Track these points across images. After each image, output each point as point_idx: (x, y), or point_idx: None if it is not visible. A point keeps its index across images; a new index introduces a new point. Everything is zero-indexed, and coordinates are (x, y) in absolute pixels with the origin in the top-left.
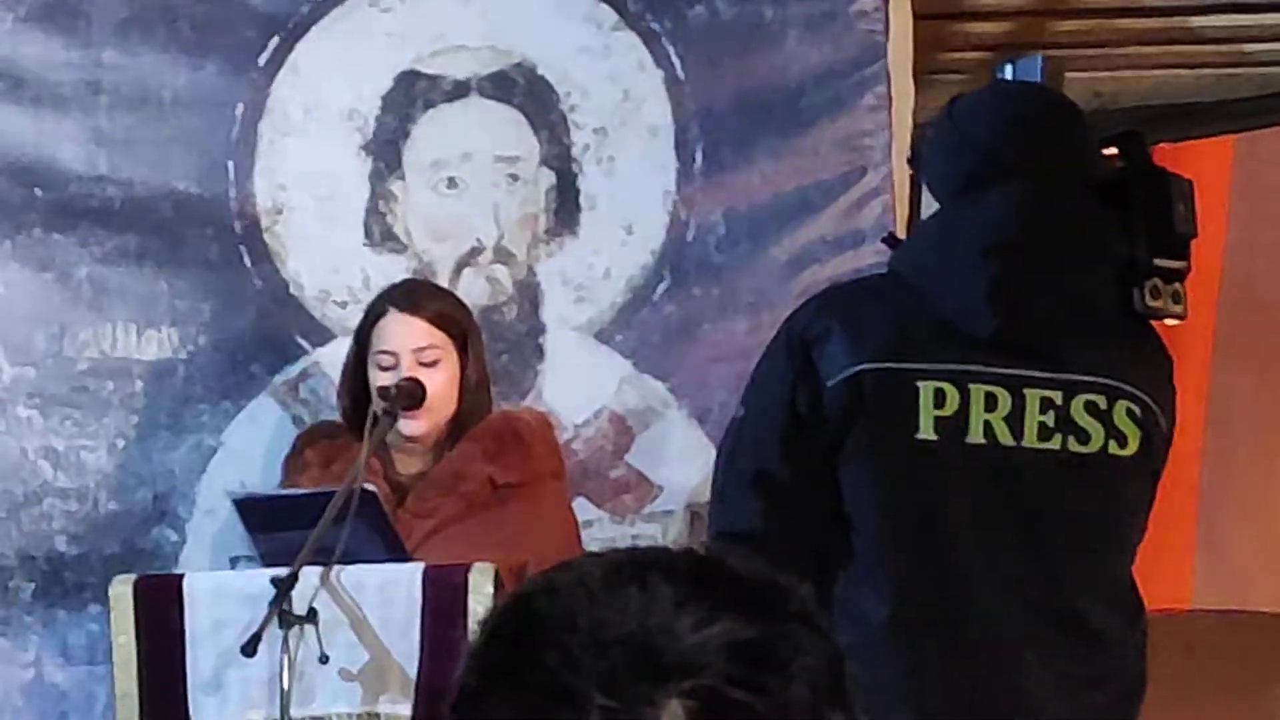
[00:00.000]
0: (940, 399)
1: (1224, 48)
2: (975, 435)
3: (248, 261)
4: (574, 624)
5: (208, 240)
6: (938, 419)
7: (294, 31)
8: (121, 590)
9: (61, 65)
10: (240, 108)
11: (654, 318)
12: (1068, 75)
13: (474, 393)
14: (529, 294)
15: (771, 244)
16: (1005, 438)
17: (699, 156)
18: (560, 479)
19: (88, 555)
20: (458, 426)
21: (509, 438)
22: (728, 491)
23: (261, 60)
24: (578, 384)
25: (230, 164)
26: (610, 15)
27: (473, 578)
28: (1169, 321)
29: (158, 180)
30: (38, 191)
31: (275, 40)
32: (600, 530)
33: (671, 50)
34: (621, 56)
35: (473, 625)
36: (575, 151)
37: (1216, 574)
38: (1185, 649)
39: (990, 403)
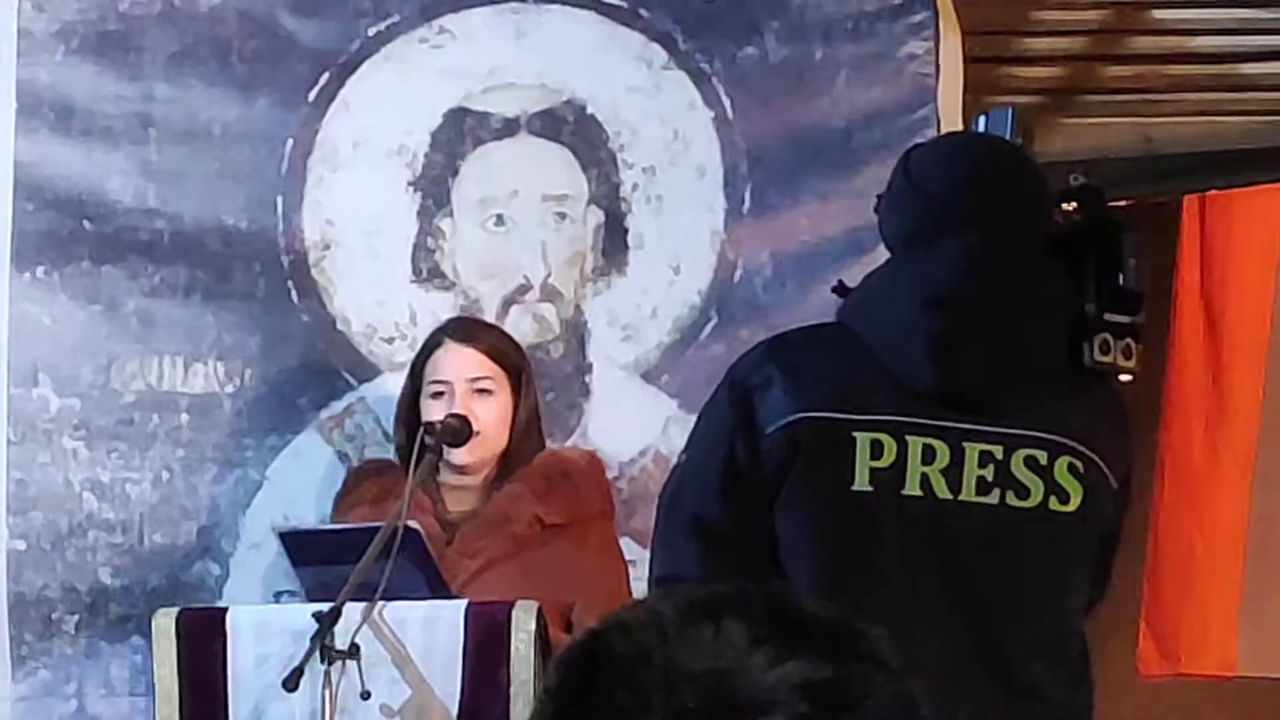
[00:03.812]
0: (877, 450)
1: (1277, 95)
2: (912, 488)
3: (295, 296)
4: (647, 661)
5: (255, 274)
6: (874, 470)
7: (345, 67)
8: (164, 623)
9: (112, 98)
10: (290, 143)
11: (700, 358)
12: (1119, 120)
13: (525, 430)
14: (576, 332)
15: (819, 285)
16: (942, 491)
17: (747, 197)
18: (609, 519)
19: (131, 588)
20: (508, 464)
21: (558, 477)
22: (667, 536)
23: (312, 95)
24: (624, 423)
25: (279, 198)
26: (661, 55)
27: (516, 615)
28: (1122, 378)
29: (206, 214)
30: (86, 224)
31: (326, 76)
32: (644, 570)
33: (721, 90)
34: (671, 96)
35: (515, 663)
36: (624, 190)
37: (1260, 642)
38: (1229, 717)
39: (928, 455)
